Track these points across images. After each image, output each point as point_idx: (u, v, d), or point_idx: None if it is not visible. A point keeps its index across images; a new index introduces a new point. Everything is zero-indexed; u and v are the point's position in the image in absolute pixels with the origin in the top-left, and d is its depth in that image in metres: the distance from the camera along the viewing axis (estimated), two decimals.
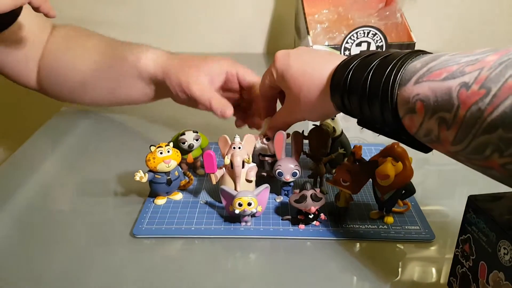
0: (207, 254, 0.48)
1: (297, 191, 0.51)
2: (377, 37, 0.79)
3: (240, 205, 0.49)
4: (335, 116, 0.60)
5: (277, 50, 0.53)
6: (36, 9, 0.59)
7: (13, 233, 0.53)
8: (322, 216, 0.52)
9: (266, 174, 0.60)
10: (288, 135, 0.56)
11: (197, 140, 0.58)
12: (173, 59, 0.66)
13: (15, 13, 0.67)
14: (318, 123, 0.60)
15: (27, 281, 0.45)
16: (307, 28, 0.83)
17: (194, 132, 0.59)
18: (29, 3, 0.57)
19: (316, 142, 0.57)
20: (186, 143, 0.58)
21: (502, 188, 0.38)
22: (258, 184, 0.53)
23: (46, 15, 0.61)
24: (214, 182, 0.54)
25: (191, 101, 0.63)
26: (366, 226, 0.51)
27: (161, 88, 0.66)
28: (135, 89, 0.70)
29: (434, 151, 0.41)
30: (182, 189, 0.58)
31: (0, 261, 0.48)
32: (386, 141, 0.46)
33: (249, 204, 0.49)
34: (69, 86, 0.74)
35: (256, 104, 0.65)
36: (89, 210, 0.57)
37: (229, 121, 0.81)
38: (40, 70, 0.75)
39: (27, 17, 0.69)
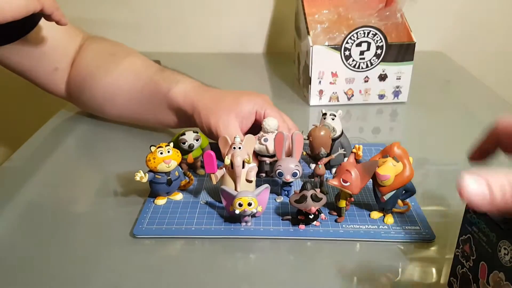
0: (207, 254, 0.48)
1: (298, 191, 0.51)
2: (377, 37, 0.79)
3: (240, 205, 0.49)
4: (335, 116, 0.60)
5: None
6: (47, 17, 0.59)
7: (13, 233, 0.53)
8: (323, 216, 0.52)
9: (265, 175, 0.60)
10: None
11: (197, 140, 0.58)
12: (203, 94, 0.64)
13: (34, 19, 0.67)
14: (318, 123, 0.60)
15: (27, 280, 0.45)
16: (307, 28, 0.83)
17: (194, 132, 0.59)
18: (41, 11, 0.57)
19: (316, 142, 0.57)
20: (186, 143, 0.58)
21: None
22: (259, 184, 0.53)
23: (57, 22, 0.61)
24: (214, 182, 0.54)
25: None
26: (366, 226, 0.51)
27: (189, 119, 0.65)
28: (163, 115, 0.69)
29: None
30: (182, 189, 0.58)
31: (0, 260, 0.48)
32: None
33: (249, 204, 0.49)
34: (99, 101, 0.74)
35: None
36: (89, 210, 0.57)
37: None
38: (70, 80, 0.75)
39: (52, 25, 0.69)
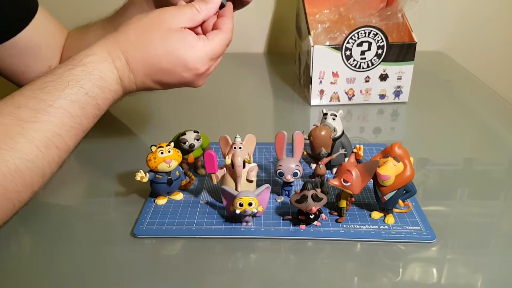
0: (207, 254, 0.48)
1: (298, 191, 0.51)
2: (378, 37, 0.79)
3: (241, 205, 0.49)
4: (336, 116, 0.60)
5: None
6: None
7: (14, 233, 0.53)
8: (323, 216, 0.52)
9: None
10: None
11: (198, 140, 0.58)
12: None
13: (26, 17, 0.67)
14: (319, 123, 0.60)
15: (27, 280, 0.45)
16: (308, 28, 0.83)
17: (195, 132, 0.59)
18: None
19: (317, 142, 0.57)
20: (187, 143, 0.58)
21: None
22: (259, 184, 0.53)
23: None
24: (215, 182, 0.54)
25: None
26: (367, 226, 0.51)
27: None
28: None
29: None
30: (183, 189, 0.58)
31: (1, 261, 0.48)
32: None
33: (250, 204, 0.49)
34: None
35: None
36: (90, 210, 0.57)
37: (230, 121, 0.81)
38: None
39: (42, 23, 0.68)
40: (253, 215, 0.52)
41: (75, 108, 0.47)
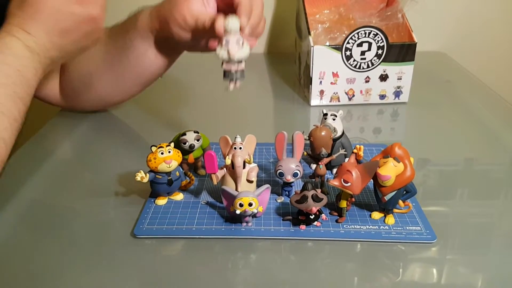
0: (208, 255, 0.48)
1: (298, 191, 0.51)
2: (378, 37, 0.79)
3: (241, 205, 0.49)
4: (336, 116, 0.60)
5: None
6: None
7: (15, 233, 0.53)
8: (323, 216, 0.52)
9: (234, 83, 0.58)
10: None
11: (198, 140, 0.58)
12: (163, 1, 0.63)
13: None
14: (319, 123, 0.60)
15: (27, 280, 0.45)
16: (308, 28, 0.83)
17: (195, 132, 0.59)
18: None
19: (317, 143, 0.57)
20: (187, 143, 0.58)
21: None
22: (259, 184, 0.53)
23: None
24: (215, 182, 0.54)
25: (195, 35, 0.61)
26: (367, 226, 0.51)
27: (165, 41, 0.65)
28: (141, 58, 0.68)
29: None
30: (183, 189, 0.58)
31: (1, 261, 0.48)
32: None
33: (250, 204, 0.49)
34: (89, 90, 0.74)
35: None
36: (90, 210, 0.57)
37: (230, 121, 0.81)
38: (62, 83, 0.75)
39: None
40: (253, 216, 0.52)
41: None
